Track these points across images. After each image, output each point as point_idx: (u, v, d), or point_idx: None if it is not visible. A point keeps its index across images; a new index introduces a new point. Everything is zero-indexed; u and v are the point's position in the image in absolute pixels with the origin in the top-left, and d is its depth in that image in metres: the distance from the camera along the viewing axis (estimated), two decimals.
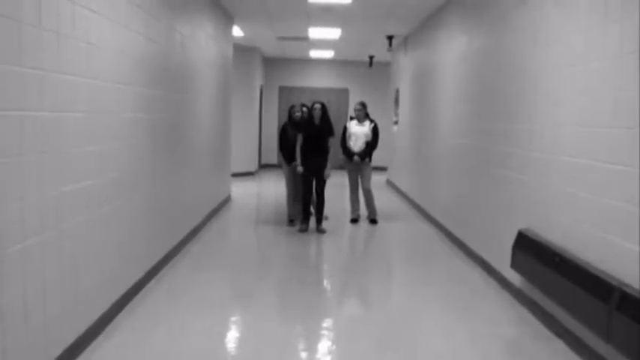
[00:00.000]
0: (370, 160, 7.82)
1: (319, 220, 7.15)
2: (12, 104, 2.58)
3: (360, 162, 7.66)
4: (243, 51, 12.15)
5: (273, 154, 15.15)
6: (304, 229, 7.03)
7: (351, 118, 7.98)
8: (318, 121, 7.01)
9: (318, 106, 7.07)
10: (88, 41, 3.39)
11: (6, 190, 2.55)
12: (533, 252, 4.10)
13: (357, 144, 7.68)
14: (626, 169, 3.10)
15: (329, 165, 7.07)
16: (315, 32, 10.27)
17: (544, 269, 3.85)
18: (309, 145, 7.01)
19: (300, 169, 7.05)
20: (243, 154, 12.67)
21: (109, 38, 3.74)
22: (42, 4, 2.82)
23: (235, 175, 11.64)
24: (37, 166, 2.83)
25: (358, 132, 7.72)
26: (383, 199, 9.98)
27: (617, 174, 3.19)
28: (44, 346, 2.96)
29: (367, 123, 7.79)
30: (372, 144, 7.69)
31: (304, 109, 7.48)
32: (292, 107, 7.48)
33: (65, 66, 3.10)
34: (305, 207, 7.12)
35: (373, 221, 7.84)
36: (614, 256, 3.20)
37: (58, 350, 3.12)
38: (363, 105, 7.90)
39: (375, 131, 7.74)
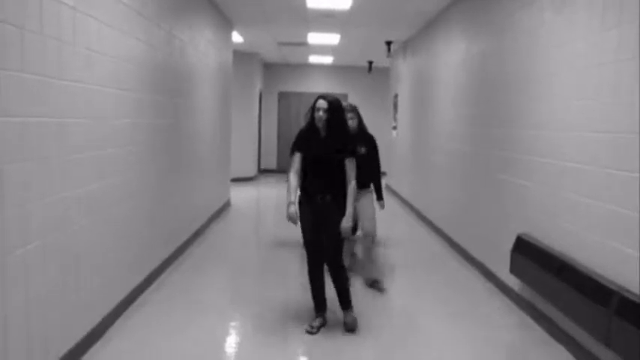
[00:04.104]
0: None
1: (344, 303, 4.09)
2: (15, 110, 2.60)
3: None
4: (242, 56, 12.19)
5: (272, 159, 15.19)
6: (315, 328, 3.96)
7: None
8: (324, 131, 3.94)
9: (323, 103, 3.85)
10: (88, 47, 3.40)
11: (9, 195, 2.56)
12: (532, 257, 4.11)
13: None
14: (627, 175, 3.11)
15: (349, 212, 3.86)
16: (314, 38, 10.30)
17: (543, 274, 3.86)
18: (311, 173, 3.97)
19: (292, 212, 3.87)
20: (243, 159, 12.69)
21: (110, 44, 3.76)
22: (43, 11, 2.83)
23: (234, 180, 11.65)
24: (40, 172, 2.84)
25: None
26: None
27: (618, 179, 3.21)
28: (45, 349, 2.96)
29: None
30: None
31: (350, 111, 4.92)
32: None
33: (66, 72, 3.11)
34: (315, 290, 4.10)
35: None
36: (614, 260, 3.21)
37: (59, 354, 3.12)
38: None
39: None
